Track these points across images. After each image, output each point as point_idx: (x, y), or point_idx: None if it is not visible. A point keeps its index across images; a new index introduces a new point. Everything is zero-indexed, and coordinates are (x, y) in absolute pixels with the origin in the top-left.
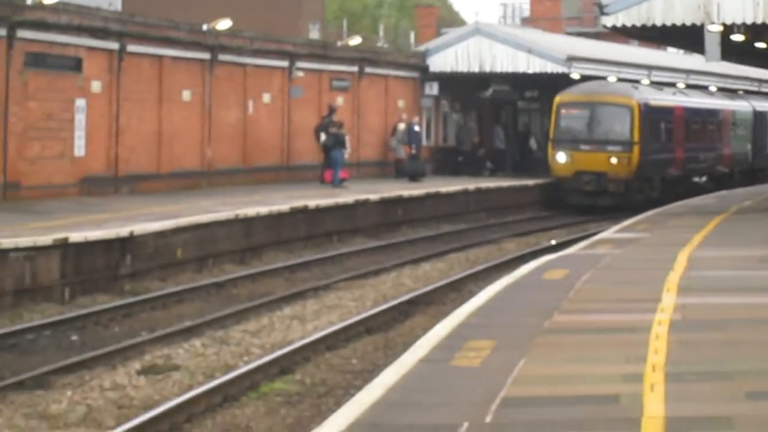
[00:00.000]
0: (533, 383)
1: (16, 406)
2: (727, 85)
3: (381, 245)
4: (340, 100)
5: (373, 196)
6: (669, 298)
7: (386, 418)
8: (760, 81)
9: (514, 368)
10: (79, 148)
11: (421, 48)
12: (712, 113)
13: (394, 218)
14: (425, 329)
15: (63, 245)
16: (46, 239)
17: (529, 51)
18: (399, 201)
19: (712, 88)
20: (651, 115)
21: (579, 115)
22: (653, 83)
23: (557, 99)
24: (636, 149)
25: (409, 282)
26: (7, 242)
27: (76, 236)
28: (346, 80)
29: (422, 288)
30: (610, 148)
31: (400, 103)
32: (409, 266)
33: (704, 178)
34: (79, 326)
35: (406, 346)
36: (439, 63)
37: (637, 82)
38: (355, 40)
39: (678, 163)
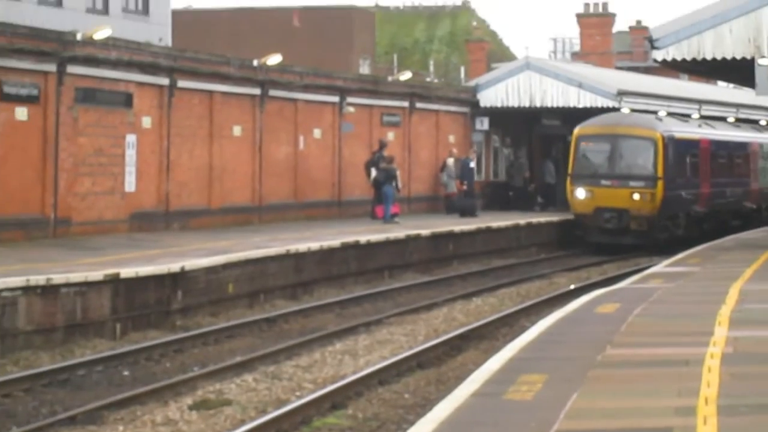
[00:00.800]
0: (586, 417)
1: None
2: None
3: (432, 280)
4: (390, 135)
5: (425, 232)
6: (721, 332)
7: None
8: None
9: (567, 402)
10: (130, 184)
11: (472, 83)
12: (739, 146)
13: (446, 253)
14: (477, 364)
15: (114, 281)
16: (97, 275)
17: (580, 85)
18: (450, 236)
19: (731, 119)
20: (676, 148)
21: (599, 148)
22: (672, 114)
23: (576, 131)
24: (660, 185)
25: (460, 317)
26: (59, 278)
27: (127, 272)
28: (397, 115)
29: (474, 323)
30: (632, 183)
31: (451, 138)
32: (461, 301)
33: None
34: (131, 361)
35: (459, 380)
36: (489, 98)
37: (688, 116)
38: (406, 75)
39: (704, 199)
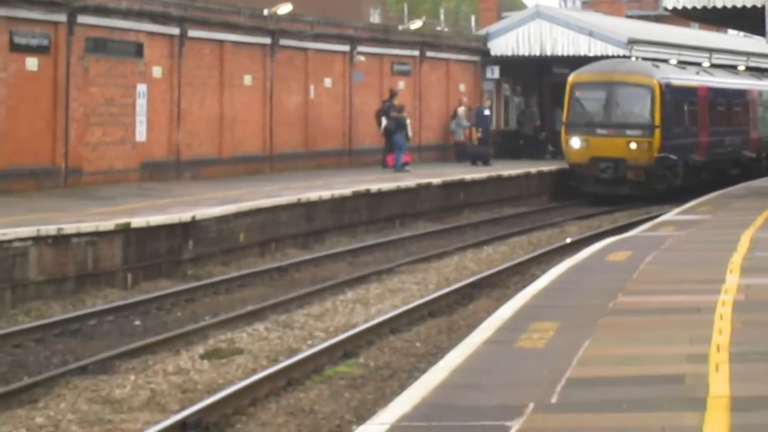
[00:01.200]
0: (598, 364)
1: (79, 391)
2: None
3: (443, 229)
4: (401, 84)
5: (435, 180)
6: (732, 279)
7: (451, 400)
8: None
9: (579, 349)
10: (141, 134)
11: (482, 32)
12: (738, 94)
13: (456, 202)
14: (488, 312)
15: (125, 230)
16: (108, 224)
17: (590, 34)
18: (461, 185)
19: (741, 68)
20: (673, 96)
21: (595, 96)
22: (669, 64)
23: (571, 78)
24: (657, 133)
25: (471, 265)
26: (70, 227)
27: (138, 221)
28: (407, 64)
29: (485, 271)
30: (629, 132)
31: (461, 87)
32: (472, 249)
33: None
34: (142, 311)
35: (470, 329)
36: (500, 46)
37: (699, 65)
38: (416, 24)
39: (702, 148)
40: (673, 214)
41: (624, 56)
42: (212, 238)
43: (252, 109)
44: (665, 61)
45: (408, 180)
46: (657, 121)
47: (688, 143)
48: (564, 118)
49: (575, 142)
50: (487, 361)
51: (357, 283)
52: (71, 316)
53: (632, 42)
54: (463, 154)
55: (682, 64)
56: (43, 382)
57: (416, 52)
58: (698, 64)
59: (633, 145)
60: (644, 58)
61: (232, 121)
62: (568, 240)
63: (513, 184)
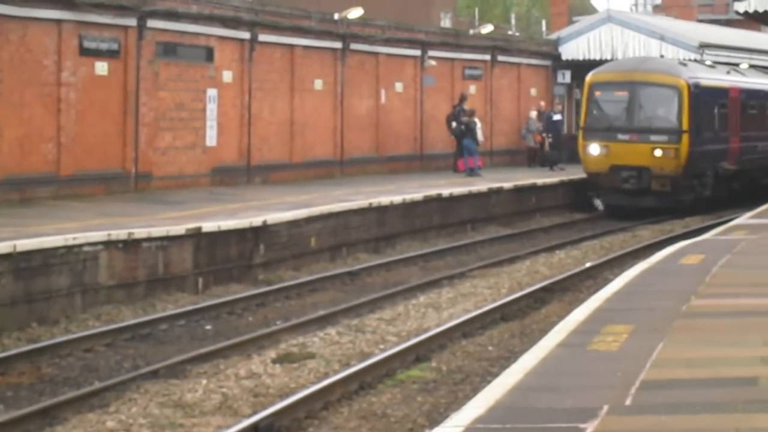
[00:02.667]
0: (672, 366)
1: (151, 395)
2: None
3: (515, 233)
4: (472, 89)
5: (507, 185)
6: None
7: (525, 402)
8: None
9: (653, 352)
10: (211, 138)
11: (553, 36)
12: None
13: (528, 206)
14: (561, 316)
15: (196, 235)
16: (179, 229)
17: (662, 38)
18: (533, 189)
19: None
20: (703, 98)
21: (616, 97)
22: (698, 62)
23: (589, 78)
24: (685, 139)
25: (543, 269)
26: (140, 232)
27: (209, 226)
28: (479, 68)
29: (557, 275)
30: (653, 138)
31: (533, 91)
32: (544, 254)
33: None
34: (213, 316)
35: (543, 332)
36: (571, 51)
37: (736, 65)
38: (487, 28)
39: (733, 155)
40: (745, 218)
41: (697, 61)
42: (283, 242)
43: (322, 113)
44: (736, 65)
45: (479, 184)
46: (685, 126)
47: (718, 150)
48: (581, 122)
49: (594, 149)
50: (560, 363)
51: (429, 287)
52: (142, 321)
53: (703, 46)
54: (532, 158)
55: (713, 63)
56: (114, 386)
57: (487, 57)
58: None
59: (658, 152)
60: (716, 62)
61: (303, 125)
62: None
63: (584, 188)
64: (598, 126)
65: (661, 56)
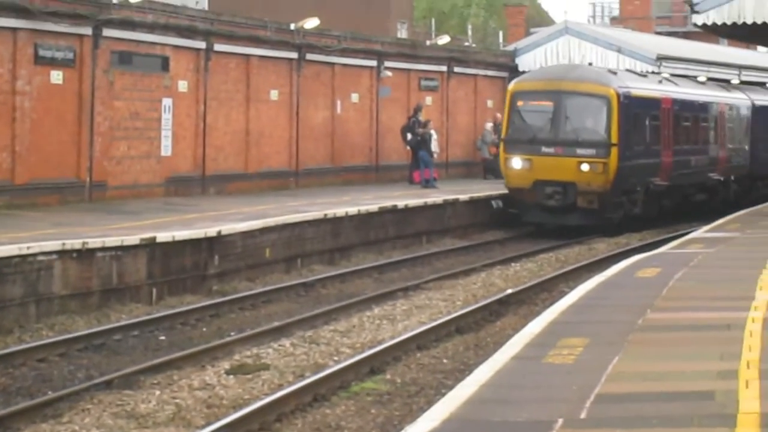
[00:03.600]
0: (628, 380)
1: (104, 406)
2: None
3: (470, 245)
4: (428, 100)
5: (463, 196)
6: (762, 296)
7: (480, 415)
8: None
9: (608, 365)
10: (166, 148)
11: (510, 47)
12: (705, 107)
13: (484, 218)
14: (516, 329)
15: (150, 245)
16: (133, 239)
17: (619, 50)
18: (488, 201)
19: (701, 78)
20: (633, 109)
21: (540, 108)
22: (630, 71)
23: (512, 87)
24: (614, 153)
25: (499, 282)
26: (95, 242)
27: (163, 236)
28: (435, 80)
29: (513, 288)
30: (580, 151)
31: (489, 103)
32: (499, 266)
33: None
34: (167, 326)
35: (498, 345)
36: (528, 62)
37: (727, 82)
38: (444, 40)
39: (665, 171)
40: (702, 232)
41: (654, 74)
42: (238, 253)
43: (278, 124)
44: (694, 78)
45: (435, 196)
46: (614, 139)
47: (649, 164)
48: (503, 134)
49: (516, 163)
50: (515, 376)
51: (384, 299)
52: (96, 331)
53: (661, 58)
54: (487, 170)
55: (645, 72)
56: (67, 396)
57: (444, 68)
58: (727, 81)
59: (585, 167)
60: (674, 75)
61: (258, 136)
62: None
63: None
64: (520, 138)
65: (590, 64)
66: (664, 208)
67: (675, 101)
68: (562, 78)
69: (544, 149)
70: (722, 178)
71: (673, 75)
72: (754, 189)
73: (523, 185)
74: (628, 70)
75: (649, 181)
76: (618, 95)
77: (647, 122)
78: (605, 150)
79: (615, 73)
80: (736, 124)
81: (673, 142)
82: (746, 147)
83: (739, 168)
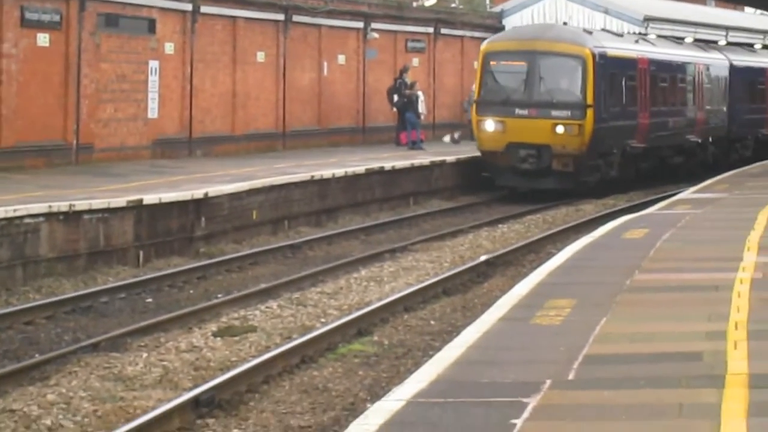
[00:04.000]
0: (615, 341)
1: (91, 368)
2: None
3: (457, 206)
4: (415, 62)
5: (450, 158)
6: (750, 257)
7: (468, 376)
8: None
9: (596, 326)
10: (153, 110)
11: (497, 8)
12: (682, 67)
13: (471, 180)
14: (504, 291)
15: (137, 207)
16: (120, 201)
17: (606, 11)
18: (475, 162)
19: (757, 46)
20: (610, 69)
21: (514, 68)
22: (606, 31)
23: (484, 47)
24: (590, 114)
25: (486, 243)
26: (81, 204)
27: (150, 198)
28: (422, 41)
29: (500, 249)
30: (555, 113)
31: (476, 65)
32: (486, 228)
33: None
34: (154, 288)
35: (485, 307)
36: (515, 23)
37: (715, 43)
38: (430, 1)
39: (642, 133)
40: (689, 193)
41: (642, 35)
42: (225, 215)
43: (265, 86)
44: (675, 38)
45: (422, 158)
46: (590, 100)
47: (626, 126)
48: (475, 96)
49: (489, 125)
50: (503, 338)
51: (371, 261)
52: (83, 294)
53: (648, 19)
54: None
55: (622, 33)
56: (54, 359)
57: (430, 30)
58: (715, 42)
59: (560, 129)
60: (660, 36)
61: (245, 98)
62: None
63: None
64: (493, 100)
65: (564, 23)
66: (641, 171)
67: (652, 61)
68: (536, 38)
69: (518, 111)
70: (700, 140)
71: (659, 36)
72: (733, 151)
73: (496, 148)
74: (604, 30)
75: (625, 144)
76: (593, 55)
77: (623, 83)
78: (581, 111)
79: (590, 33)
80: (714, 84)
81: (650, 103)
82: (724, 108)
83: (717, 129)
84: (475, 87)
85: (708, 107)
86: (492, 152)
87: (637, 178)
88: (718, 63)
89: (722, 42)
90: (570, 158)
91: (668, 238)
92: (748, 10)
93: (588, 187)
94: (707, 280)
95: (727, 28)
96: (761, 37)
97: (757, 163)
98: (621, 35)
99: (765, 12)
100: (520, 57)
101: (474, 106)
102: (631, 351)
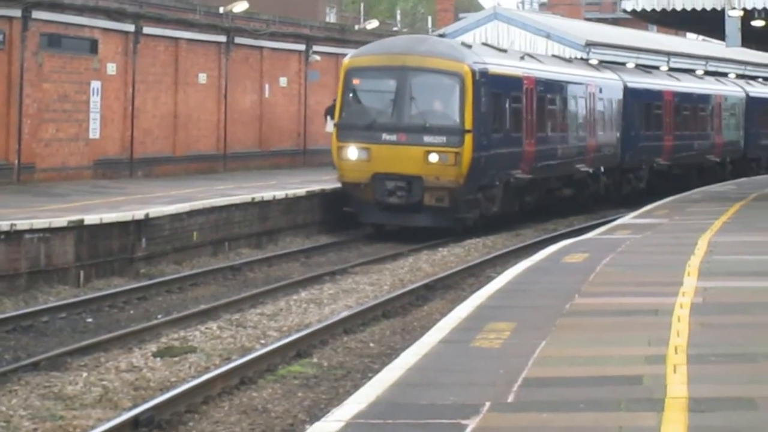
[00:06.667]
0: (555, 364)
1: (31, 387)
2: (747, 72)
3: (398, 230)
4: None
5: None
6: (690, 282)
7: (407, 398)
8: None
9: (536, 349)
10: (94, 131)
11: (439, 32)
12: (571, 88)
13: None
14: (443, 314)
15: (78, 227)
16: (61, 221)
17: (548, 36)
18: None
19: (699, 71)
20: (492, 89)
21: (380, 87)
22: (487, 45)
23: (347, 62)
24: (468, 141)
25: (426, 267)
26: (22, 223)
27: (91, 218)
28: None
29: (440, 273)
30: (428, 139)
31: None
32: (426, 251)
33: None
34: (94, 309)
35: (424, 330)
36: None
37: (656, 68)
38: (373, 24)
39: (527, 161)
40: (629, 218)
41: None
42: (165, 236)
43: (206, 107)
44: (623, 64)
45: None
46: (468, 124)
47: (509, 154)
48: (335, 118)
49: (351, 153)
50: (442, 360)
51: (311, 283)
52: (23, 313)
53: (590, 44)
54: None
55: (507, 50)
56: None
57: None
58: (656, 68)
59: (434, 158)
60: (602, 61)
61: (186, 119)
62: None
63: None
64: (357, 123)
65: (441, 35)
66: (525, 205)
67: (539, 81)
68: (407, 52)
69: (385, 136)
70: (591, 170)
71: (628, 65)
72: (625, 181)
73: (359, 179)
74: (485, 44)
75: (509, 174)
76: (473, 72)
77: (507, 105)
78: (458, 137)
79: (470, 47)
80: (607, 108)
81: (536, 128)
82: (617, 134)
83: (610, 158)
84: (336, 108)
85: (600, 133)
86: (355, 184)
87: (521, 212)
88: (611, 84)
89: (664, 67)
90: (445, 191)
91: (608, 262)
92: (690, 35)
93: (465, 225)
94: (647, 305)
95: (669, 54)
96: (703, 63)
97: (697, 189)
98: (505, 51)
99: (707, 38)
100: (387, 74)
101: (334, 131)
102: (571, 374)
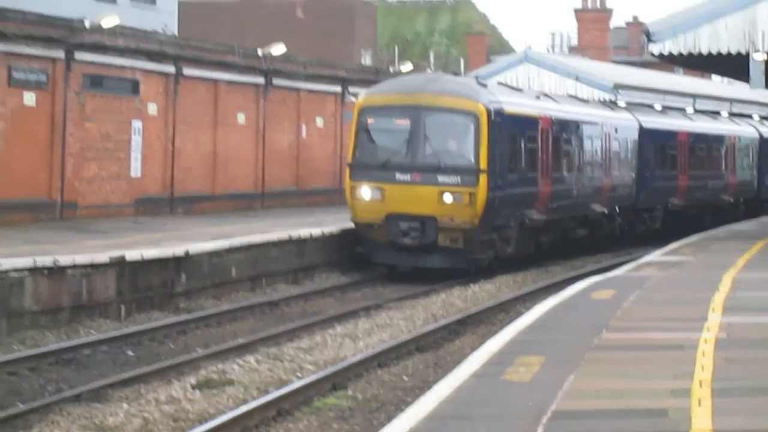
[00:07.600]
0: (583, 397)
1: (73, 419)
2: None
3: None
4: None
5: None
6: (715, 318)
7: (439, 430)
8: None
9: (564, 383)
10: (135, 169)
11: (471, 75)
12: (587, 128)
13: None
14: (474, 348)
15: (120, 263)
16: (102, 257)
17: (577, 78)
18: None
19: (723, 113)
20: (507, 129)
21: (394, 126)
22: (503, 84)
23: (360, 101)
24: (483, 181)
25: (458, 302)
26: (65, 259)
27: (132, 254)
28: None
29: (471, 308)
30: (442, 179)
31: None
32: (459, 287)
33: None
34: (135, 342)
35: (456, 363)
36: None
37: (682, 110)
38: (407, 66)
39: (543, 202)
40: (656, 255)
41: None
42: (204, 272)
43: (244, 147)
44: (650, 106)
45: None
46: (483, 164)
47: (524, 194)
48: (349, 158)
49: (365, 192)
50: (474, 393)
51: (346, 318)
52: (66, 346)
53: (618, 87)
54: None
55: (516, 87)
56: (37, 409)
57: None
58: (682, 110)
59: (448, 198)
60: (630, 103)
61: (225, 158)
62: None
63: None
64: (370, 163)
65: (455, 74)
66: (540, 246)
67: (555, 120)
68: (421, 90)
69: (399, 176)
70: (606, 210)
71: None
72: (640, 222)
73: (373, 220)
74: (500, 83)
75: (524, 215)
76: (488, 111)
77: (522, 144)
78: (472, 177)
79: (485, 86)
80: (623, 148)
81: (552, 168)
82: (633, 174)
83: (625, 198)
84: (349, 148)
85: (615, 173)
86: (368, 225)
87: (537, 253)
88: (626, 124)
89: (689, 109)
90: (459, 232)
91: (635, 298)
92: (715, 78)
93: (480, 266)
94: (673, 340)
95: (695, 96)
96: (727, 104)
97: (722, 227)
98: (520, 90)
99: (731, 80)
100: (401, 113)
101: (348, 170)
102: (598, 407)
